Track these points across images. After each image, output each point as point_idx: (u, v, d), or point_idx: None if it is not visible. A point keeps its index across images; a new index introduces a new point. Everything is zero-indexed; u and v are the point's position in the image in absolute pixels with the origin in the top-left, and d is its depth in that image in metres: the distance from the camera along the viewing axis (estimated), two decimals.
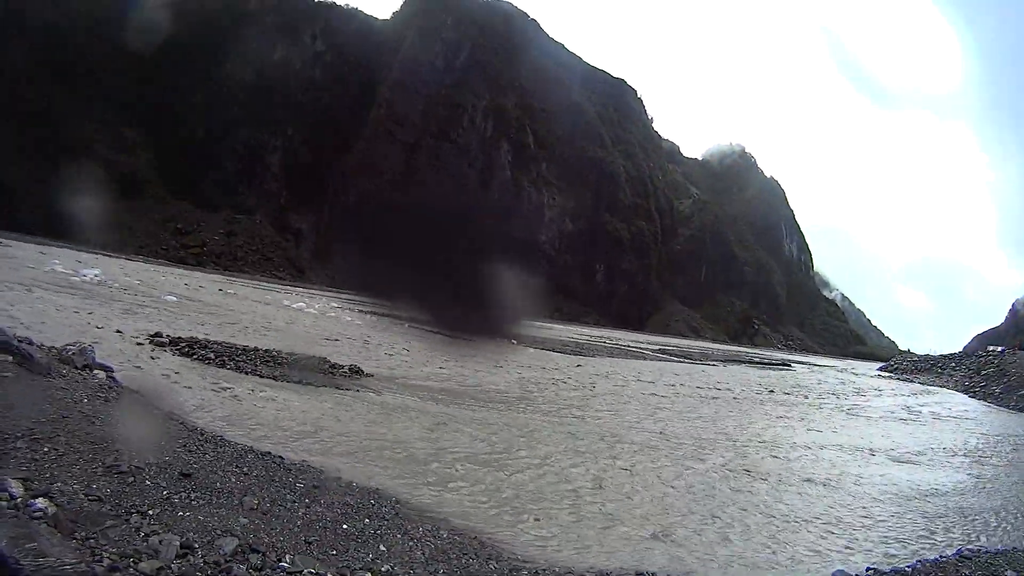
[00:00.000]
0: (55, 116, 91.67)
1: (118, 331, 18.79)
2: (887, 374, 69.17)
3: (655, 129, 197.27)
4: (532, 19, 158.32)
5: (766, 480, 14.96)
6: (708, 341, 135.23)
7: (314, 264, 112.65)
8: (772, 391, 37.95)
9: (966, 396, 47.71)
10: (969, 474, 19.20)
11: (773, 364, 70.72)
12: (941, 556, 10.74)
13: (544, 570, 7.80)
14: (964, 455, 22.77)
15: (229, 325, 26.78)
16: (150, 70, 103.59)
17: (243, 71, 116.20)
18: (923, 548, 11.38)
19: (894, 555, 10.77)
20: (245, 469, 8.49)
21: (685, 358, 60.13)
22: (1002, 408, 41.29)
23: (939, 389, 52.22)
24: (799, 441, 21.29)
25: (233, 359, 17.79)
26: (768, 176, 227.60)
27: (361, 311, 50.37)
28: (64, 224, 60.52)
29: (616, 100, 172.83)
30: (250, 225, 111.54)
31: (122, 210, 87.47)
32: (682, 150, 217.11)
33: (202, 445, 8.96)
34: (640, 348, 65.05)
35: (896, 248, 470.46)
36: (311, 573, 6.13)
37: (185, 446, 8.61)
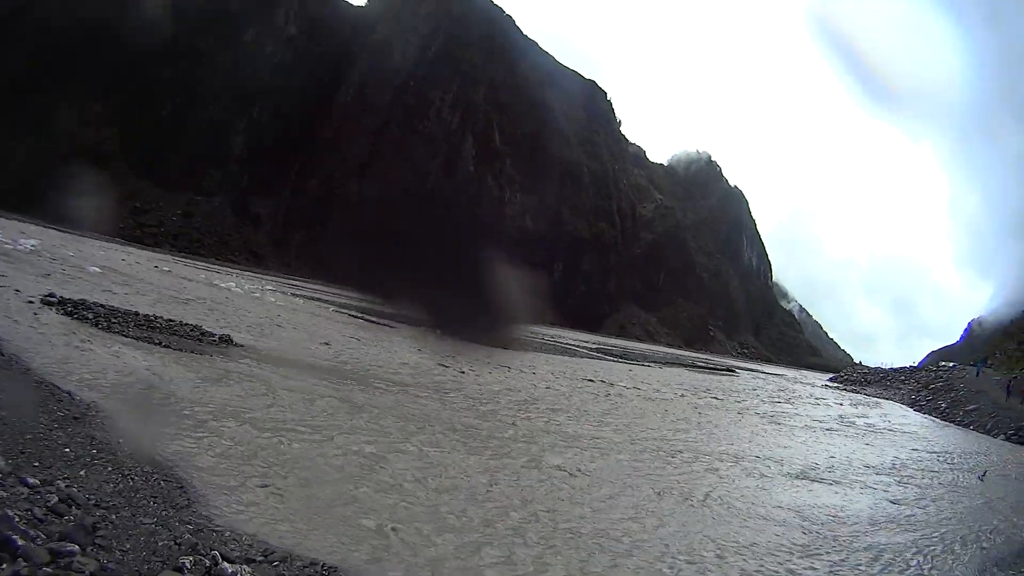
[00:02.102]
0: (19, 88, 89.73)
1: (16, 291, 19.11)
2: (835, 385, 68.73)
3: (623, 132, 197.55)
4: (508, 15, 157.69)
5: (593, 483, 13.04)
6: (662, 345, 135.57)
7: (272, 250, 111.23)
8: (690, 393, 36.32)
9: (911, 410, 46.95)
10: (886, 496, 16.46)
11: (717, 369, 69.53)
12: None
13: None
14: (888, 473, 20.01)
15: (137, 295, 26.48)
16: (118, 45, 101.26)
17: (213, 50, 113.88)
18: None
19: None
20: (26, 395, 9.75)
21: (621, 358, 59.13)
22: (947, 423, 40.25)
23: (885, 401, 51.38)
24: (683, 446, 18.81)
25: (108, 320, 18.21)
26: (732, 185, 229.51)
27: (293, 295, 49.68)
28: (23, 197, 59.29)
29: (586, 101, 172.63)
30: (209, 207, 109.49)
31: (83, 185, 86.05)
32: (649, 155, 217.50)
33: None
34: (576, 346, 63.58)
35: (856, 264, 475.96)
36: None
37: None
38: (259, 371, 16.78)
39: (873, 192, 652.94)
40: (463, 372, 24.99)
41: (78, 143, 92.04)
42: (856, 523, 13.32)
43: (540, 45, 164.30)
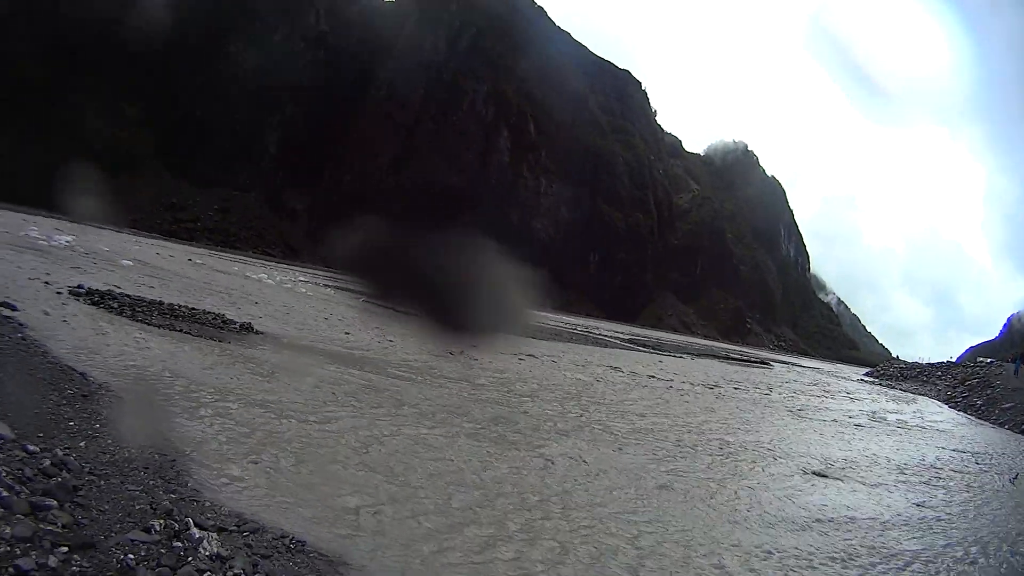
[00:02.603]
0: (55, 92, 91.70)
1: (46, 283, 19.48)
2: (870, 379, 67.07)
3: (658, 122, 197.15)
4: (538, 6, 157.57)
5: (592, 473, 12.55)
6: (699, 337, 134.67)
7: (308, 243, 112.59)
8: (718, 384, 35.42)
9: (946, 406, 45.07)
10: (909, 497, 15.53)
11: (751, 362, 68.63)
12: None
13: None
14: (914, 473, 18.99)
15: (166, 286, 26.95)
16: (153, 51, 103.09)
17: (244, 51, 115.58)
18: None
19: None
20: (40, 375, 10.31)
21: (654, 349, 58.39)
22: (982, 421, 38.31)
23: (919, 397, 49.70)
24: (697, 437, 18.12)
25: (132, 309, 18.50)
26: (770, 176, 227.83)
27: (326, 286, 50.02)
28: (59, 197, 60.54)
29: (620, 91, 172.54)
30: (245, 202, 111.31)
31: (118, 185, 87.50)
32: (685, 145, 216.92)
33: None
34: (609, 337, 63.28)
35: (896, 256, 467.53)
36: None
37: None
38: (272, 356, 16.94)
39: (909, 183, 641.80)
40: (475, 360, 24.71)
41: (112, 144, 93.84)
42: (870, 525, 12.66)
43: (572, 35, 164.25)
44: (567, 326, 66.80)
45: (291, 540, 7.04)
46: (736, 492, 13.33)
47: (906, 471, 19.06)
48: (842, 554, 10.71)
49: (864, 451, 21.41)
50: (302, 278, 54.08)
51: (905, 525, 13.17)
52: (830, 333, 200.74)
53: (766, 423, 24.74)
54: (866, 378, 68.87)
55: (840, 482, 16.09)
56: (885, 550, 11.31)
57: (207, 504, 7.42)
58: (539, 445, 13.89)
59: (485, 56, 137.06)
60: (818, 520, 12.35)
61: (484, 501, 9.70)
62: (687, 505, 11.88)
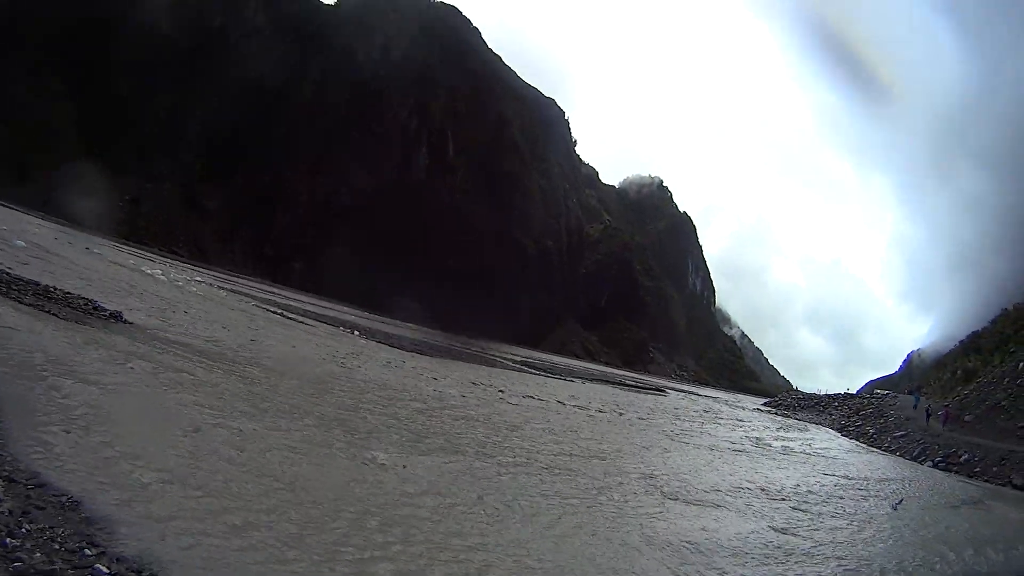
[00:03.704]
0: None
1: None
2: (767, 409, 68.09)
3: (577, 153, 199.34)
4: (474, 27, 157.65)
5: (406, 480, 12.07)
6: (601, 364, 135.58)
7: (217, 244, 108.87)
8: (600, 407, 34.33)
9: (839, 435, 46.06)
10: (771, 523, 14.76)
11: (646, 388, 68.98)
12: None
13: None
14: (785, 498, 18.30)
15: (52, 270, 26.21)
16: (81, 24, 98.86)
17: (177, 34, 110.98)
18: None
19: None
20: None
21: (545, 372, 57.66)
22: (873, 449, 39.29)
23: (813, 426, 50.62)
24: (545, 458, 16.86)
25: (8, 287, 18.20)
26: (682, 211, 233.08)
27: (220, 287, 48.27)
28: None
29: (543, 119, 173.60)
30: (157, 195, 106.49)
31: (33, 162, 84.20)
32: (601, 176, 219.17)
33: None
34: (503, 358, 62.43)
35: (801, 293, 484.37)
36: None
37: None
38: (130, 344, 16.51)
39: (819, 223, 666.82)
40: (345, 367, 24.15)
41: (30, 116, 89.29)
42: (716, 551, 11.79)
43: (503, 59, 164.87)
44: (453, 343, 65.45)
45: (69, 499, 7.26)
46: (563, 510, 12.44)
47: (776, 497, 18.25)
48: None
49: (733, 477, 20.54)
50: (198, 278, 51.83)
51: (757, 550, 12.34)
52: (732, 365, 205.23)
53: (634, 446, 23.82)
54: (762, 407, 69.56)
55: (696, 506, 15.20)
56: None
57: (7, 459, 7.76)
58: (365, 449, 13.30)
59: (415, 69, 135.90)
60: (654, 544, 11.52)
61: (268, 492, 9.57)
62: (505, 519, 11.02)
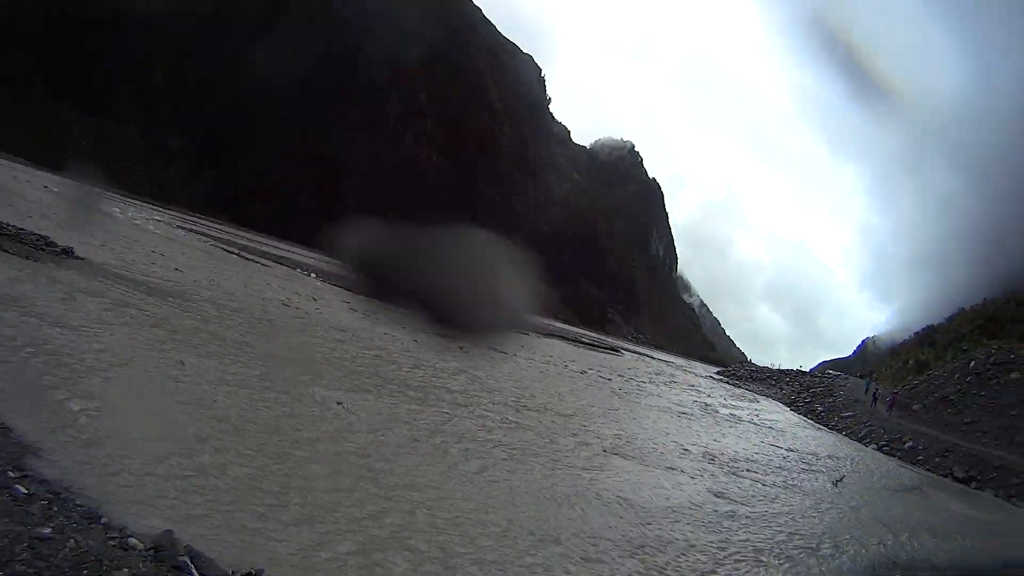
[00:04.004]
0: None
1: None
2: (719, 377, 68.28)
3: (551, 111, 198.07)
4: None
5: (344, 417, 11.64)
6: (559, 322, 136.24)
7: (180, 186, 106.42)
8: (552, 362, 33.69)
9: (788, 409, 46.10)
10: (710, 487, 14.57)
11: (601, 347, 69.36)
12: None
13: None
14: (726, 464, 18.09)
15: (7, 208, 25.18)
16: None
17: None
18: None
19: None
20: None
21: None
22: (820, 426, 39.33)
23: (763, 398, 50.65)
24: (487, 403, 16.52)
25: None
26: (651, 177, 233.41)
27: (179, 227, 47.26)
28: None
29: (519, 75, 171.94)
30: (120, 135, 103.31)
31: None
32: (573, 136, 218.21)
33: None
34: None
35: (763, 270, 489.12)
36: None
37: None
38: (79, 279, 16.15)
39: (787, 203, 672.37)
40: (299, 308, 23.74)
41: None
42: (650, 508, 11.42)
43: (483, 12, 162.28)
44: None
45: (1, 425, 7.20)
46: (510, 457, 12.08)
47: (718, 461, 18.04)
48: (606, 535, 9.43)
49: (677, 438, 20.36)
50: (157, 217, 50.46)
51: (690, 511, 11.99)
52: (689, 332, 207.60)
53: (579, 399, 23.26)
54: (715, 376, 69.83)
55: (632, 462, 14.88)
56: (659, 536, 10.10)
57: None
58: (307, 386, 12.91)
59: (389, 19, 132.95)
60: (592, 497, 11.11)
61: (205, 424, 9.43)
62: (437, 459, 10.61)
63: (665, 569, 9.04)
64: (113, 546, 5.47)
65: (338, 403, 12.26)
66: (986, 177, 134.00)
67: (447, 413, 14.34)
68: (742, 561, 10.21)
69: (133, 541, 5.67)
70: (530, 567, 8.06)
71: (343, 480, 8.99)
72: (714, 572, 9.47)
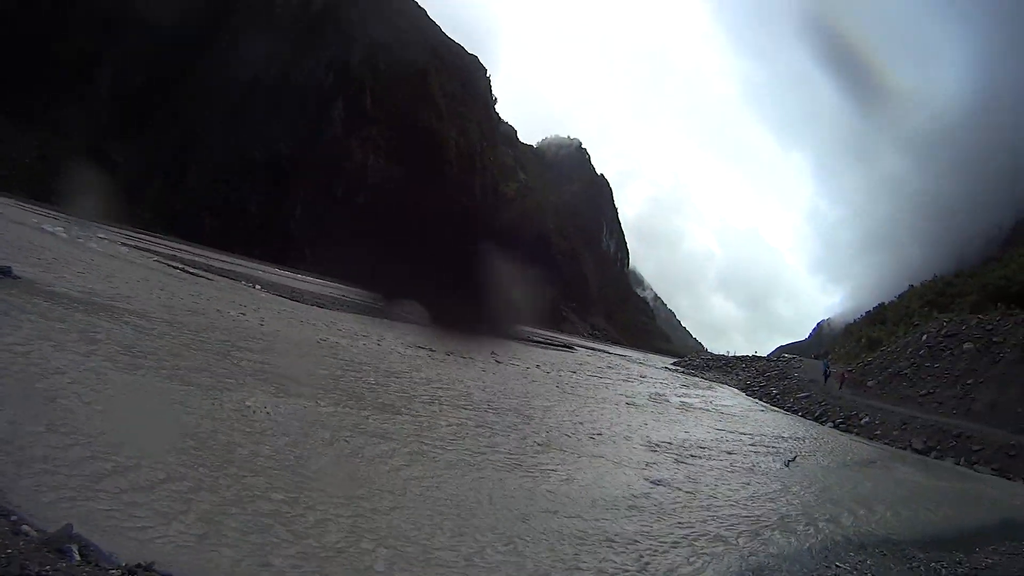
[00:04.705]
0: None
1: None
2: (675, 368, 68.47)
3: (496, 111, 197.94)
4: None
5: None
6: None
7: (125, 202, 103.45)
8: (497, 361, 32.83)
9: (743, 394, 46.43)
10: (647, 474, 14.10)
11: (553, 344, 68.95)
12: None
13: None
14: (669, 451, 17.62)
15: None
16: None
17: None
18: None
19: None
20: None
21: (432, 325, 55.40)
22: (775, 408, 39.67)
23: (719, 385, 51.05)
24: (406, 399, 15.79)
25: None
26: (599, 173, 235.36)
27: (123, 244, 46.87)
28: None
29: (465, 76, 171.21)
30: (65, 150, 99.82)
31: None
32: (520, 135, 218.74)
33: None
34: (405, 312, 60.47)
35: (715, 259, 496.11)
36: None
37: None
38: (13, 297, 15.54)
39: (737, 193, 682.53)
40: (234, 317, 22.91)
41: None
42: (577, 501, 10.97)
43: (427, 14, 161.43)
44: (366, 301, 63.32)
45: None
46: (433, 454, 11.62)
47: (659, 449, 17.61)
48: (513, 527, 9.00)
49: (619, 428, 19.92)
50: (101, 235, 48.88)
51: (616, 503, 11.53)
52: (644, 326, 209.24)
53: (520, 394, 22.78)
54: (671, 367, 69.92)
55: (570, 456, 14.36)
56: (569, 528, 9.65)
57: None
58: (229, 391, 12.63)
59: (335, 20, 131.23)
60: (512, 491, 10.71)
61: (120, 429, 9.14)
62: (339, 457, 10.28)
63: (583, 561, 8.64)
64: (6, 531, 5.41)
65: (264, 409, 12.07)
66: (934, 159, 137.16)
67: (377, 413, 13.90)
68: (675, 548, 9.82)
69: (26, 528, 5.67)
70: (447, 564, 7.66)
71: (257, 480, 8.73)
72: (643, 562, 9.04)
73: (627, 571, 8.63)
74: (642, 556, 9.19)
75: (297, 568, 6.85)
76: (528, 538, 8.93)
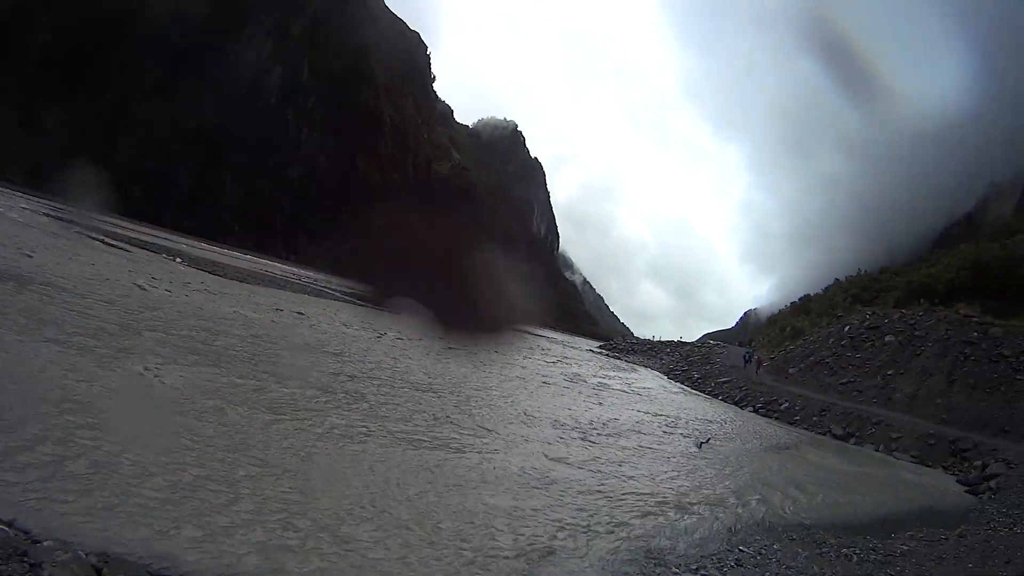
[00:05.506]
0: None
1: None
2: (600, 351, 69.05)
3: (434, 89, 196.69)
4: None
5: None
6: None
7: (56, 168, 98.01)
8: (407, 338, 29.94)
9: (665, 377, 46.36)
10: (545, 452, 13.51)
11: None
12: None
13: None
14: (575, 429, 17.06)
15: None
16: None
17: None
18: None
19: None
20: None
21: (369, 303, 54.09)
22: (697, 392, 39.57)
23: (642, 368, 51.02)
24: (300, 369, 15.30)
25: None
26: (533, 156, 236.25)
27: (45, 214, 45.23)
28: None
29: (405, 52, 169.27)
30: None
31: None
32: (456, 115, 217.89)
33: None
34: (328, 289, 59.14)
35: (646, 246, 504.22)
36: None
37: None
38: None
39: (670, 181, 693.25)
40: (146, 288, 22.13)
41: None
42: (467, 479, 10.35)
43: None
44: (291, 276, 61.44)
45: None
46: (320, 429, 10.78)
47: (565, 427, 17.03)
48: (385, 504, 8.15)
49: (524, 407, 19.05)
50: (24, 205, 46.30)
51: (513, 481, 10.88)
52: (572, 309, 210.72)
53: (421, 371, 21.56)
54: (595, 349, 70.40)
55: (467, 435, 13.55)
56: (448, 505, 8.96)
57: None
58: (127, 360, 12.20)
59: None
60: (394, 466, 9.87)
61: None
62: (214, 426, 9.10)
63: (462, 545, 7.86)
64: None
65: (158, 376, 11.67)
66: (869, 158, 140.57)
67: (273, 384, 13.28)
68: (566, 529, 9.14)
69: None
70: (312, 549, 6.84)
71: (136, 446, 8.07)
72: (528, 544, 8.31)
73: (506, 553, 7.93)
74: (530, 538, 8.55)
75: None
76: (396, 518, 8.23)
